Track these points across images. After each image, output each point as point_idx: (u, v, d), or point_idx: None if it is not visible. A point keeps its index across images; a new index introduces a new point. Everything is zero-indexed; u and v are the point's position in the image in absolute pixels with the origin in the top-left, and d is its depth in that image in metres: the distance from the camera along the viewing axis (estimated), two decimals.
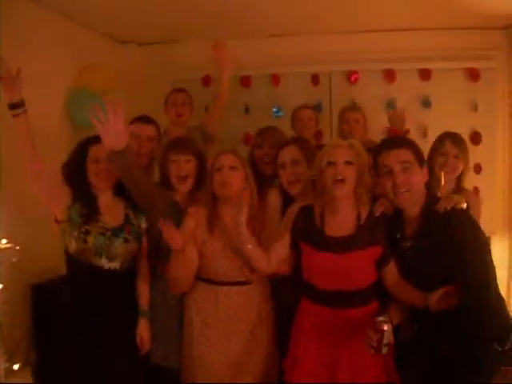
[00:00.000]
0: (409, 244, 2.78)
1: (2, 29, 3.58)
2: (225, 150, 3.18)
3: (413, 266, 2.75)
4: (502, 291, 2.92)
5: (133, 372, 3.06)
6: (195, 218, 3.05)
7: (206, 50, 4.43)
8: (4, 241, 3.18)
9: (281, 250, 2.94)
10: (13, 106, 2.85)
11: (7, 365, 3.16)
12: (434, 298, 2.50)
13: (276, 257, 2.91)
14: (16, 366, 3.24)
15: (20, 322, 3.56)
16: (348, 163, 2.75)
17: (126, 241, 3.06)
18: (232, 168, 3.04)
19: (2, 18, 3.58)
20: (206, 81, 5.63)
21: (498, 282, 2.76)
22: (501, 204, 5.25)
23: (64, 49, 4.52)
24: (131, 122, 3.60)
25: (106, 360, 2.95)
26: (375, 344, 2.51)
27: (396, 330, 2.75)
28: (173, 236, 2.82)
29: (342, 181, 2.73)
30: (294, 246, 2.94)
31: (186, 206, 3.22)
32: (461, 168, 3.55)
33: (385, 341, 2.49)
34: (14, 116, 2.85)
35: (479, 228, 2.67)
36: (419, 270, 2.72)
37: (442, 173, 3.42)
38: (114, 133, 2.67)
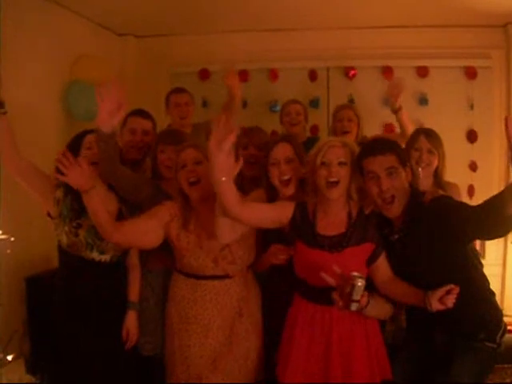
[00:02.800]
0: (397, 236, 2.79)
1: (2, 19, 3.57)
2: (185, 145, 3.12)
3: (403, 257, 2.77)
4: (497, 288, 2.94)
5: (123, 363, 3.10)
6: (170, 211, 3.01)
7: (203, 43, 4.42)
8: None
9: (259, 208, 2.88)
10: None
11: (1, 355, 3.16)
12: (435, 298, 2.48)
13: (251, 210, 2.79)
14: (10, 357, 3.24)
15: (14, 313, 3.56)
16: (342, 164, 2.74)
17: None
18: (197, 163, 3.00)
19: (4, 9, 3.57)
20: (203, 74, 5.62)
21: (493, 278, 2.79)
22: None
23: (60, 39, 4.50)
24: (128, 115, 3.61)
25: (97, 351, 2.98)
26: (345, 296, 2.50)
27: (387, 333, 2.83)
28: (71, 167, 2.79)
29: (336, 183, 2.72)
30: (292, 241, 2.92)
31: (172, 193, 3.24)
32: (435, 162, 3.56)
33: (354, 297, 2.48)
34: None
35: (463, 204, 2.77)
36: (409, 261, 2.74)
37: (420, 169, 3.44)
38: (110, 111, 2.79)
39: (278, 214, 2.88)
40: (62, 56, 4.53)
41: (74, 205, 3.00)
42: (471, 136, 5.29)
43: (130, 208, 3.17)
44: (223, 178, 2.51)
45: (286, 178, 3.07)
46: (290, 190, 3.08)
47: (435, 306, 2.48)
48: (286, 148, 3.12)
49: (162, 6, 4.68)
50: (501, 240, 5.19)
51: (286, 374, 2.81)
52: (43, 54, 4.23)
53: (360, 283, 2.47)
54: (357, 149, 2.83)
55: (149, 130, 3.67)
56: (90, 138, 3.06)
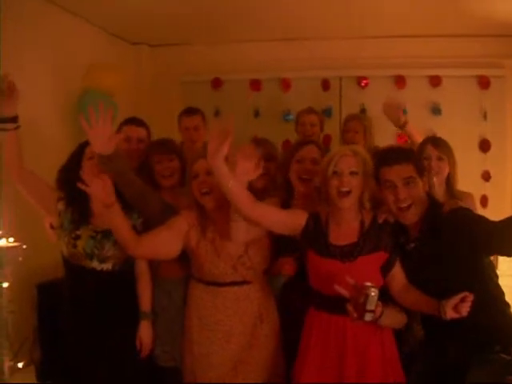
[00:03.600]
0: (413, 245, 2.78)
1: (9, 25, 3.58)
2: (198, 155, 3.11)
3: (418, 266, 2.75)
4: (509, 299, 2.91)
5: (130, 371, 3.07)
6: (188, 220, 3.02)
7: (216, 52, 4.43)
8: (11, 239, 3.19)
9: (272, 210, 2.89)
10: (5, 120, 2.90)
11: (12, 363, 3.16)
12: (449, 306, 2.44)
13: (264, 210, 2.82)
14: (20, 365, 3.24)
15: (25, 320, 3.56)
16: (353, 173, 2.73)
17: (116, 243, 3.02)
18: (208, 173, 2.97)
19: (11, 15, 3.58)
20: (216, 83, 5.63)
21: (506, 289, 2.77)
22: (509, 211, 5.17)
23: (74, 48, 4.51)
24: (122, 124, 3.65)
25: (102, 363, 2.97)
26: (359, 307, 2.46)
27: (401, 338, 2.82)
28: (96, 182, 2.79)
29: (348, 193, 2.71)
30: (303, 251, 2.92)
31: (176, 202, 3.26)
32: (446, 170, 3.55)
33: (368, 307, 2.44)
34: (1, 129, 2.91)
35: (480, 216, 2.73)
36: (425, 270, 2.71)
37: (434, 178, 3.41)
38: (102, 137, 2.78)
39: (291, 220, 2.88)
40: (75, 65, 4.53)
41: (74, 217, 3.02)
42: (484, 145, 5.28)
43: (130, 214, 3.12)
44: (230, 184, 2.56)
45: (305, 176, 3.14)
46: (306, 189, 3.14)
47: (449, 314, 2.44)
48: (313, 150, 3.21)
49: (175, 15, 4.69)
50: None
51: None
52: (57, 63, 4.24)
53: (373, 293, 2.43)
54: (369, 157, 2.82)
55: (143, 137, 3.65)
56: (90, 148, 3.03)
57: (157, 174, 3.41)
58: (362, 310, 2.46)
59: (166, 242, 2.96)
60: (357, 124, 4.28)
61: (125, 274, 3.14)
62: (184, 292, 3.19)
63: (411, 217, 2.73)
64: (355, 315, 2.49)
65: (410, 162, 2.74)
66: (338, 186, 2.71)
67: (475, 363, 2.60)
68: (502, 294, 2.83)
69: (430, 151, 3.53)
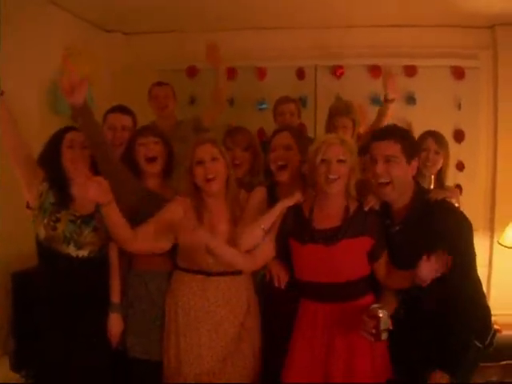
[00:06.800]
0: (397, 228, 2.82)
1: None
2: (202, 139, 3.12)
3: (402, 249, 2.80)
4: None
5: (103, 364, 3.07)
6: (183, 206, 3.01)
7: (191, 40, 4.40)
8: None
9: (267, 248, 2.97)
10: None
11: None
12: (423, 268, 2.48)
13: (263, 254, 2.94)
14: None
15: (0, 309, 3.53)
16: (341, 161, 2.78)
17: (95, 229, 3.05)
18: (214, 159, 2.97)
19: None
20: (190, 71, 5.59)
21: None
22: (482, 202, 5.29)
23: (48, 35, 4.45)
24: (107, 112, 3.63)
25: (75, 351, 2.95)
26: (373, 331, 2.53)
27: None
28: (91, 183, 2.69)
29: (336, 179, 2.77)
30: (283, 246, 2.97)
31: (162, 192, 3.25)
32: (441, 162, 3.76)
33: (382, 326, 2.52)
34: None
35: (464, 217, 2.75)
36: (408, 253, 2.73)
37: (432, 176, 3.51)
38: (72, 86, 2.76)
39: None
40: (48, 51, 4.47)
41: (56, 199, 3.00)
42: (458, 136, 5.31)
43: None
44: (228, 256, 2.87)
45: (280, 163, 3.14)
46: (283, 176, 3.14)
47: (425, 277, 2.50)
48: (286, 136, 3.21)
49: (150, 3, 4.65)
50: (487, 240, 5.22)
51: (289, 375, 2.84)
52: (31, 49, 4.17)
53: (382, 314, 2.52)
54: (355, 148, 2.90)
55: (128, 125, 3.63)
56: (70, 135, 3.05)
57: (140, 157, 3.27)
58: (378, 331, 2.53)
59: (160, 237, 2.96)
60: (346, 119, 4.12)
61: (99, 261, 3.12)
62: (160, 285, 3.16)
63: (389, 194, 2.78)
64: (372, 339, 2.56)
65: (397, 141, 2.76)
66: (326, 172, 2.76)
67: (447, 350, 2.63)
68: (480, 285, 2.88)
69: (430, 144, 3.73)
